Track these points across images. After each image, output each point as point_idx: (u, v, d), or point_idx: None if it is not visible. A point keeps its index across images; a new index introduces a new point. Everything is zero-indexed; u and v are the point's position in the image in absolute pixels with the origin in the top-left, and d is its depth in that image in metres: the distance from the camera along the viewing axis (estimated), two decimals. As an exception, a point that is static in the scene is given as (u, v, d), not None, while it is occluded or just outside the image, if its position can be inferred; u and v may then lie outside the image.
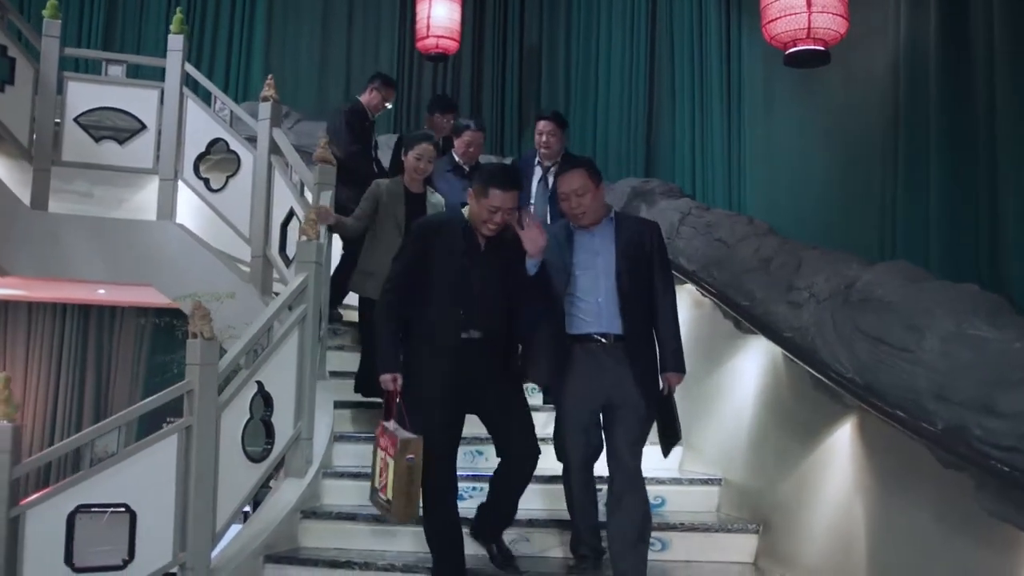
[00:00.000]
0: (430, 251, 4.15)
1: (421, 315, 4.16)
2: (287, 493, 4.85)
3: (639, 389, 4.11)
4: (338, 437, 5.40)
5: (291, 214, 6.05)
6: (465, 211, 4.29)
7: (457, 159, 6.27)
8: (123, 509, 4.13)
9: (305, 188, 5.96)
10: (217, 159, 6.47)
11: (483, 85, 10.14)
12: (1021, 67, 3.94)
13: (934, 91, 4.39)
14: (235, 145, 6.43)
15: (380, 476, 4.15)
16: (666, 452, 4.31)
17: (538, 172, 6.22)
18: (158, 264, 6.46)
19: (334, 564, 4.51)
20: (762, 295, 4.56)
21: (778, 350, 4.59)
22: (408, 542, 4.69)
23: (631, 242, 4.23)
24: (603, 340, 4.17)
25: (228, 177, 6.41)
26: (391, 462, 4.04)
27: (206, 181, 6.47)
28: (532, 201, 6.09)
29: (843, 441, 4.08)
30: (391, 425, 4.10)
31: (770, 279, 4.60)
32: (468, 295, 4.11)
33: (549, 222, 5.82)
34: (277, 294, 6.23)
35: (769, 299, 4.49)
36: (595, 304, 4.18)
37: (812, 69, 4.86)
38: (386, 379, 4.12)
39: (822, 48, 4.37)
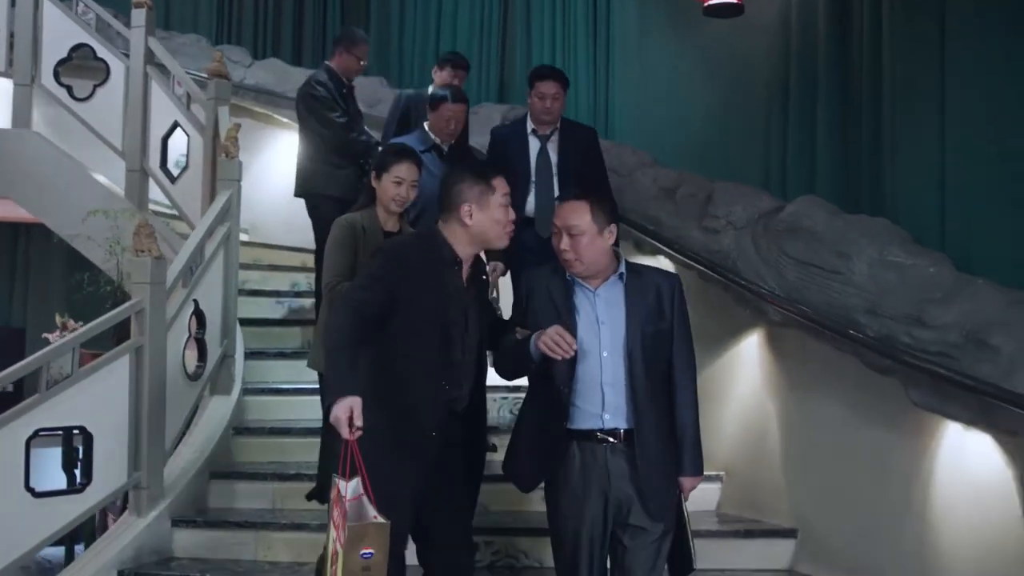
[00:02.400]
0: (408, 286, 3.03)
1: (386, 383, 3.05)
2: (219, 411, 4.90)
3: (654, 501, 3.13)
4: (248, 354, 5.44)
5: (174, 127, 5.86)
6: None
7: (433, 137, 4.75)
8: (79, 432, 4.08)
9: (192, 101, 5.79)
10: (80, 64, 6.11)
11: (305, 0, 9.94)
12: (903, 16, 4.61)
13: (823, 36, 5.02)
14: (103, 52, 6.09)
15: (331, 566, 2.84)
16: None
17: (534, 144, 4.90)
18: (16, 175, 6.07)
19: (280, 477, 4.65)
20: (672, 222, 5.07)
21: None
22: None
23: (648, 309, 3.17)
24: (610, 439, 3.12)
25: (95, 86, 6.08)
26: (340, 553, 2.77)
27: (69, 88, 6.11)
28: (533, 180, 4.82)
29: (753, 350, 4.70)
30: (348, 487, 2.84)
31: (678, 207, 5.11)
32: (454, 357, 3.11)
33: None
34: (156, 212, 6.09)
35: (681, 225, 5.00)
36: (599, 390, 3.13)
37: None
38: (341, 408, 2.80)
39: (738, 2, 4.86)
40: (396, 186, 3.90)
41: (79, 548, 6.07)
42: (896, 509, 3.91)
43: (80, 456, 4.08)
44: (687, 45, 6.13)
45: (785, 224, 4.40)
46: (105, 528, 5.13)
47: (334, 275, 3.78)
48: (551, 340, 2.99)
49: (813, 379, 4.34)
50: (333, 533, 2.84)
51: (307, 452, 4.86)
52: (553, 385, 3.13)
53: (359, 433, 2.81)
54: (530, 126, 4.93)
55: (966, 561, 3.61)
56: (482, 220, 3.12)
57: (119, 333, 4.56)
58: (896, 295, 3.87)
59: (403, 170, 3.91)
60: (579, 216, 3.12)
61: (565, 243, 3.12)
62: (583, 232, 3.11)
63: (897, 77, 4.57)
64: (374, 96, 7.50)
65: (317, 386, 5.24)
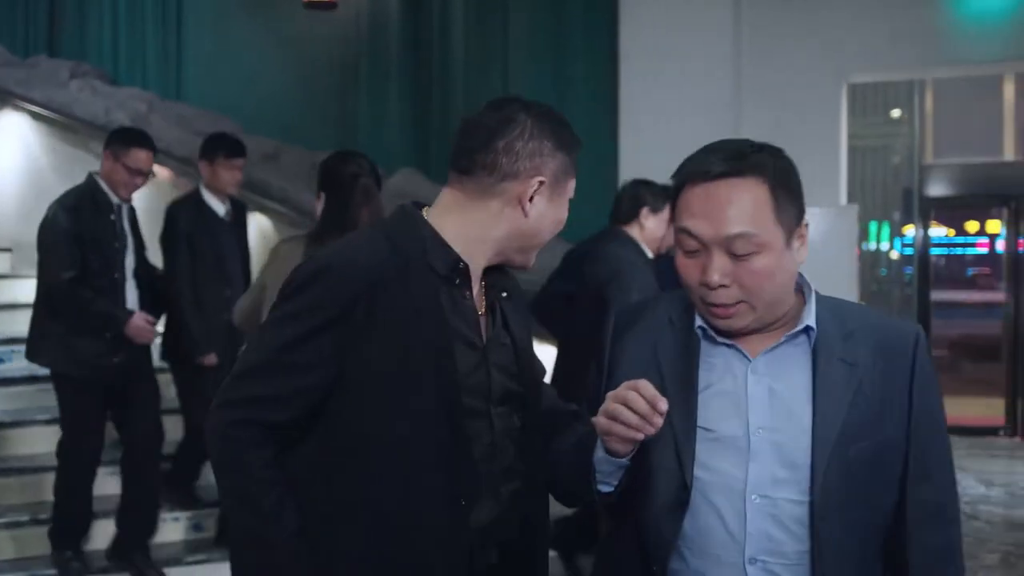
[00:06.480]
0: (362, 344, 1.65)
1: (340, 512, 1.68)
2: None
3: None
4: None
5: None
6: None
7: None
8: None
9: None
10: None
11: None
12: (473, 6, 5.79)
13: (395, 25, 6.08)
14: None
15: None
16: None
17: None
18: None
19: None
20: (280, 183, 5.79)
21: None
22: None
23: (863, 401, 1.53)
24: None
25: None
26: None
27: None
28: None
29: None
30: None
31: (282, 171, 5.85)
32: (476, 443, 1.71)
33: None
34: None
35: (290, 187, 5.75)
36: (737, 570, 1.53)
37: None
38: None
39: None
40: None
41: None
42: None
43: None
44: (264, 19, 6.79)
45: (393, 192, 5.39)
46: None
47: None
48: (621, 408, 1.45)
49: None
50: None
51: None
52: (637, 544, 1.60)
53: None
54: None
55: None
56: (545, 213, 1.75)
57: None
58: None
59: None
60: (752, 214, 1.50)
61: (721, 270, 1.50)
62: (762, 245, 1.49)
63: (469, 60, 5.76)
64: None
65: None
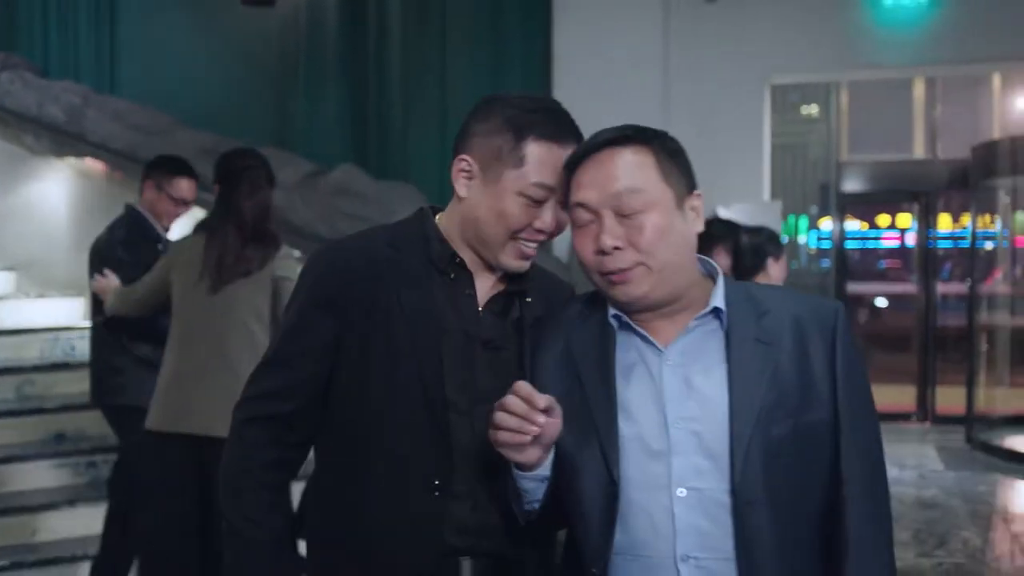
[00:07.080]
0: (358, 323, 1.68)
1: (331, 502, 1.75)
2: None
3: None
4: None
5: None
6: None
7: None
8: None
9: None
10: None
11: None
12: (412, 11, 5.95)
13: (333, 26, 6.18)
14: None
15: None
16: None
17: None
18: None
19: None
20: (221, 179, 5.85)
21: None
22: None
23: (781, 381, 1.50)
24: None
25: None
26: None
27: None
28: None
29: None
30: None
31: (223, 167, 5.90)
32: (455, 438, 1.68)
33: None
34: None
35: (230, 183, 5.81)
36: (669, 571, 1.48)
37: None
38: None
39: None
40: None
41: None
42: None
43: None
44: (201, 15, 6.81)
45: (333, 187, 5.51)
46: None
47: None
48: (501, 415, 1.44)
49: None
50: None
51: None
52: (580, 559, 1.54)
53: None
54: None
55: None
56: (480, 200, 1.67)
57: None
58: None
59: None
60: (637, 172, 1.52)
61: (612, 232, 1.50)
62: (651, 203, 1.51)
63: (407, 59, 5.91)
64: None
65: None
